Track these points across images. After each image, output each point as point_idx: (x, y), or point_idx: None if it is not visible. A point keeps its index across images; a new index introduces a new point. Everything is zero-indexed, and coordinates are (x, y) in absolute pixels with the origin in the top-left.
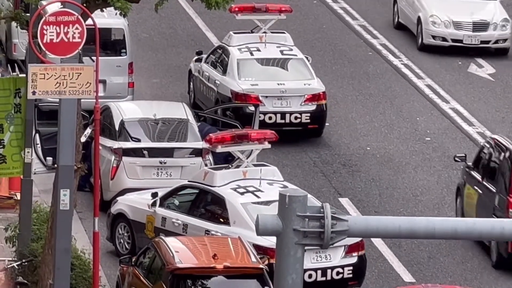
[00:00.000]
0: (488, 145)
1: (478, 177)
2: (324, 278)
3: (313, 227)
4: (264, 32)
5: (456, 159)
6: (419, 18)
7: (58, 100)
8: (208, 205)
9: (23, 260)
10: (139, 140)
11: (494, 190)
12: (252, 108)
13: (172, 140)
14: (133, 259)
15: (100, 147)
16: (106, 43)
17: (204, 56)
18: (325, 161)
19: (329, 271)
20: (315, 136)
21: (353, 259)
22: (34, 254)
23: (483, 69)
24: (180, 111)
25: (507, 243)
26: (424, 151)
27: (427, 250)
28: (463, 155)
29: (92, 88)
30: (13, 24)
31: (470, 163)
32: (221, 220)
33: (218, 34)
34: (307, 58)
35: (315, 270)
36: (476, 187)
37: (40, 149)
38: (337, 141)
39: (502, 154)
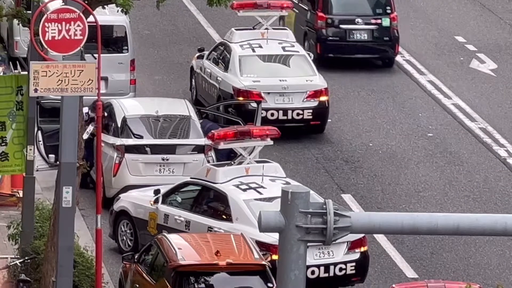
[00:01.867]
0: None
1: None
2: (327, 275)
3: (316, 223)
4: (266, 29)
5: None
6: None
7: (60, 97)
8: (210, 202)
9: (26, 258)
10: (141, 137)
11: (306, 8)
12: (254, 104)
13: (174, 137)
14: (136, 256)
15: (103, 144)
16: (108, 40)
17: (206, 53)
18: (328, 157)
19: (331, 267)
20: (318, 132)
21: (356, 255)
22: (36, 251)
23: (485, 64)
24: (182, 107)
25: None
26: (427, 147)
27: (430, 246)
28: None
29: (94, 85)
30: (15, 21)
31: None
32: (224, 216)
33: (220, 31)
34: (309, 54)
35: (318, 266)
36: (294, 9)
37: (43, 146)
38: (340, 138)
39: None
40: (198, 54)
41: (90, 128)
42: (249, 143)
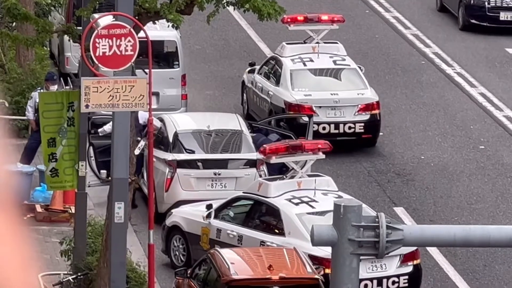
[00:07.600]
0: None
1: None
2: None
3: (368, 236)
4: (317, 43)
5: None
6: None
7: (111, 113)
8: (262, 216)
9: (79, 274)
10: (193, 152)
11: None
12: (305, 118)
13: (226, 151)
14: (189, 271)
15: (154, 159)
16: (159, 56)
17: (257, 67)
18: (379, 170)
19: (384, 280)
20: (369, 145)
21: (409, 268)
22: (89, 267)
23: None
24: (234, 122)
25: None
26: (478, 159)
27: (482, 258)
28: None
29: (145, 100)
30: (66, 37)
31: None
32: (276, 231)
33: (271, 45)
34: (360, 68)
35: (371, 279)
36: None
37: (94, 162)
38: (391, 151)
39: None
40: (249, 68)
41: (142, 143)
42: (301, 157)
